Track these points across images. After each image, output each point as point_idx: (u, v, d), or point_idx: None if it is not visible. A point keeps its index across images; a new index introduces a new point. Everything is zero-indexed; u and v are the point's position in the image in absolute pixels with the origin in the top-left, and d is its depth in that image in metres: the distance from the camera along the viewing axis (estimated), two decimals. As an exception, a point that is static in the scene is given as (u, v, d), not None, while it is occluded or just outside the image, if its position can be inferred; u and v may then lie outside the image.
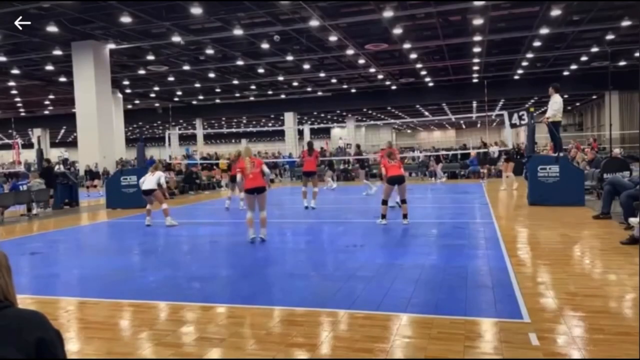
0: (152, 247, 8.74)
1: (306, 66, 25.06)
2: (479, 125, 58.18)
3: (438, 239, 8.22)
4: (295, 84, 31.79)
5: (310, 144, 13.31)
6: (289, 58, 22.71)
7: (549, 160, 11.80)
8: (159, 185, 10.66)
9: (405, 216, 9.35)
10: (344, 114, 46.53)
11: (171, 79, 28.54)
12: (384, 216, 9.44)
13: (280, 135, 52.18)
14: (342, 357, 3.50)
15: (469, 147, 30.03)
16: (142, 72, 25.56)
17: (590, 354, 3.39)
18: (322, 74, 27.50)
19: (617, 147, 20.94)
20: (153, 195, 10.67)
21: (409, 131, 69.56)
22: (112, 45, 19.90)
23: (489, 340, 3.69)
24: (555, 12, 16.85)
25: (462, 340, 3.67)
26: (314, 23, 16.96)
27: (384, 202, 9.46)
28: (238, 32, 17.98)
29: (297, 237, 9.14)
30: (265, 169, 8.14)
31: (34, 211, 13.73)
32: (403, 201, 9.48)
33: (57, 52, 20.34)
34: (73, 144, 36.66)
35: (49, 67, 23.49)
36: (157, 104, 37.81)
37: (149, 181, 10.64)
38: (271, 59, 23.39)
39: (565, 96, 30.00)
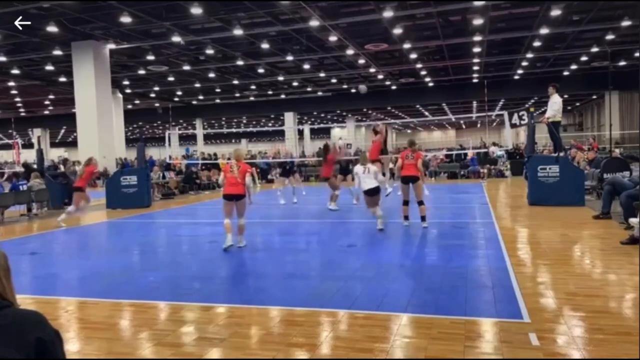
0: (152, 247, 8.74)
1: (306, 66, 25.06)
2: (479, 125, 58.18)
3: (438, 239, 8.22)
4: (295, 84, 31.78)
5: (324, 147, 13.48)
6: (289, 58, 22.70)
7: (549, 160, 11.80)
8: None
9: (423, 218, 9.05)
10: (344, 114, 46.52)
11: (171, 79, 28.52)
12: (406, 217, 9.21)
13: (280, 135, 52.16)
14: (342, 357, 3.50)
15: (467, 147, 30.03)
16: (142, 72, 25.54)
17: (590, 354, 3.39)
18: (322, 74, 27.50)
19: (617, 147, 20.96)
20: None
21: (408, 131, 69.56)
22: (112, 45, 19.88)
23: (489, 340, 3.69)
24: (555, 12, 16.84)
25: (462, 340, 3.67)
26: (314, 23, 16.95)
27: (405, 203, 9.17)
28: (238, 32, 17.97)
29: (297, 237, 9.13)
30: (249, 180, 7.52)
31: (34, 211, 13.74)
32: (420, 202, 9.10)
33: (57, 52, 20.33)
34: (73, 144, 36.67)
35: (49, 67, 23.47)
36: (157, 104, 37.79)
37: None
38: (271, 59, 23.37)
39: (565, 96, 29.99)
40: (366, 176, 8.85)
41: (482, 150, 25.32)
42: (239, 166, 7.60)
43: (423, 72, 28.15)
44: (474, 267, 5.92)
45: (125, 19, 16.35)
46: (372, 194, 8.83)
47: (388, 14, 16.13)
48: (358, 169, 9.02)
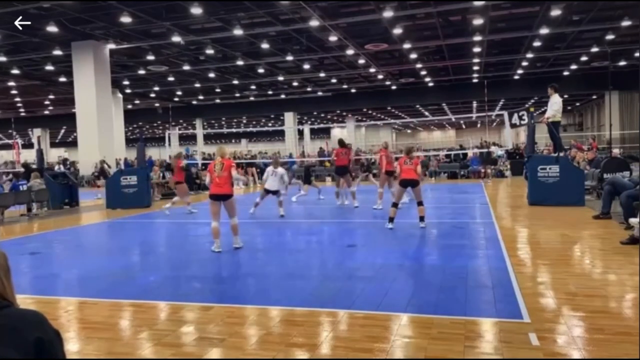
0: (152, 247, 8.75)
1: (306, 66, 25.06)
2: (479, 125, 58.17)
3: (438, 239, 8.22)
4: (295, 84, 31.79)
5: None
6: (289, 58, 22.71)
7: (549, 160, 11.80)
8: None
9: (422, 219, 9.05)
10: (344, 114, 46.52)
11: (171, 79, 28.53)
12: (391, 219, 9.17)
13: (280, 135, 52.17)
14: (342, 357, 3.50)
15: (467, 147, 30.01)
16: (142, 72, 25.55)
17: (590, 354, 3.39)
18: (322, 74, 27.50)
19: (617, 147, 20.95)
20: None
21: (408, 131, 69.55)
22: (112, 45, 19.89)
23: (489, 340, 3.69)
24: (555, 12, 16.85)
25: (462, 340, 3.67)
26: (314, 23, 16.96)
27: (394, 205, 9.18)
28: (238, 32, 17.98)
29: (297, 237, 9.13)
30: (234, 173, 7.42)
31: (34, 211, 13.74)
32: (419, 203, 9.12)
33: (57, 52, 20.33)
34: (73, 144, 36.66)
35: (49, 67, 23.49)
36: (157, 104, 37.81)
37: None
38: (271, 59, 23.37)
39: (565, 96, 29.99)
40: (274, 178, 10.88)
41: (484, 150, 25.32)
42: (223, 164, 7.33)
43: (423, 72, 28.15)
44: (474, 267, 5.92)
45: (125, 19, 16.36)
46: (273, 193, 10.98)
47: (388, 14, 16.14)
48: (269, 169, 11.03)
